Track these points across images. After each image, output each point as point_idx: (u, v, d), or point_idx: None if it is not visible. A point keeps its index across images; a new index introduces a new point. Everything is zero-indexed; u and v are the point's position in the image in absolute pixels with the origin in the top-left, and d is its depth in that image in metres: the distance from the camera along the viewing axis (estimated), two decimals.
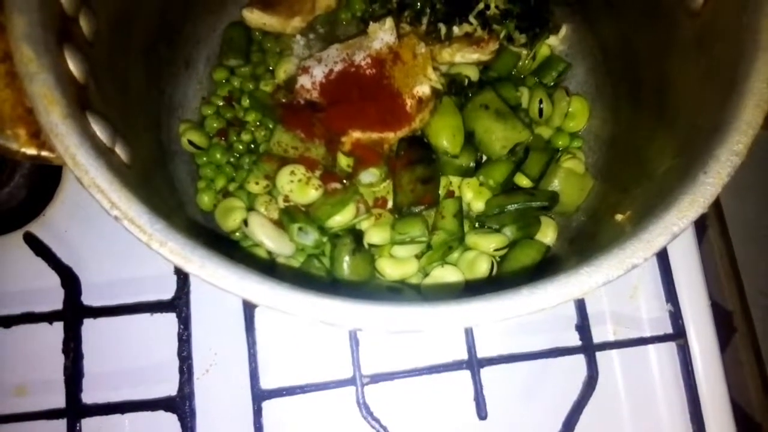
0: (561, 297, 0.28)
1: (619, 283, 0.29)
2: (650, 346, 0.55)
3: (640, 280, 0.56)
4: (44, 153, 0.31)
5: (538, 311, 0.28)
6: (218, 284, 0.28)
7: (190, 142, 0.49)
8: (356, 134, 0.45)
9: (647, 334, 0.55)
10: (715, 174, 0.30)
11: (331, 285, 0.46)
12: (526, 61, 0.52)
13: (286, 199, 0.47)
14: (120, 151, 0.34)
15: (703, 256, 0.58)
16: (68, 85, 0.31)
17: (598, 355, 0.53)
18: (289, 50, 0.52)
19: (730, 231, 0.66)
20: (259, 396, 0.51)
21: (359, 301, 0.27)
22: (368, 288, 0.46)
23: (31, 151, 0.31)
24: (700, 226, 0.65)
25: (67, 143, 0.29)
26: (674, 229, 0.29)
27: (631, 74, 0.46)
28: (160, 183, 0.44)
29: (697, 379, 0.54)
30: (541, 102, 0.49)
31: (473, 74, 0.50)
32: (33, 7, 0.31)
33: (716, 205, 0.65)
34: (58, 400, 0.51)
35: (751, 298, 0.65)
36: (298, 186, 0.47)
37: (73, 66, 0.33)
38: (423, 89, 0.45)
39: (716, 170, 0.30)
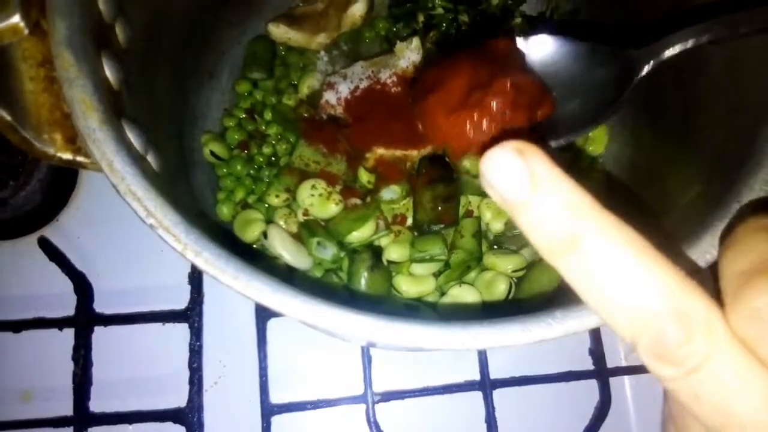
0: (595, 320, 0.28)
1: None
2: None
3: None
4: (79, 158, 0.31)
5: (572, 334, 0.28)
6: (251, 296, 0.28)
7: (212, 153, 0.49)
8: (380, 151, 0.45)
9: None
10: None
11: (349, 299, 0.46)
12: None
13: (306, 212, 0.47)
14: (151, 159, 0.34)
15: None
16: (105, 92, 0.32)
17: (611, 380, 0.53)
18: (313, 65, 0.53)
19: None
20: (268, 410, 0.51)
21: (403, 319, 0.27)
22: (385, 304, 0.46)
23: (67, 155, 0.31)
24: None
25: (104, 149, 0.29)
26: (708, 256, 0.29)
27: (654, 100, 0.47)
28: (182, 192, 0.44)
29: None
30: None
31: None
32: (74, 12, 0.31)
33: None
34: (65, 408, 0.50)
35: None
36: (318, 200, 0.47)
37: (109, 73, 0.33)
38: None
39: (750, 199, 0.30)
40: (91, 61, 0.31)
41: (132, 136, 0.32)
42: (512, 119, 0.40)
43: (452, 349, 0.28)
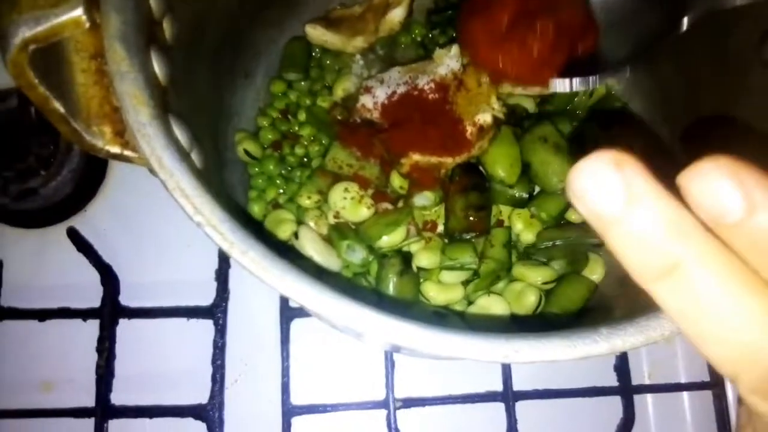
0: (641, 339, 0.28)
1: None
2: (685, 393, 0.54)
3: None
4: (127, 152, 0.31)
5: (617, 352, 0.28)
6: (295, 297, 0.28)
7: (246, 152, 0.49)
8: (416, 157, 0.45)
9: (683, 380, 0.54)
10: None
11: (377, 303, 0.45)
12: (583, 98, 0.52)
13: (337, 215, 0.47)
14: (195, 156, 0.34)
15: None
16: (154, 87, 0.32)
17: (634, 398, 0.52)
18: (348, 69, 0.53)
19: None
20: (289, 411, 0.50)
21: (445, 329, 0.27)
22: (413, 310, 0.46)
23: (115, 149, 0.31)
24: None
25: (154, 144, 0.29)
26: None
27: (690, 120, 0.46)
28: (219, 190, 0.44)
29: (732, 429, 0.53)
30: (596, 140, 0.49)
31: (530, 106, 0.50)
32: (127, 7, 0.31)
33: None
34: (86, 399, 0.51)
35: None
36: (350, 203, 0.47)
37: (157, 68, 0.33)
38: (485, 117, 0.45)
39: None
40: (142, 56, 0.32)
41: (178, 133, 0.32)
42: (551, 59, 0.41)
43: (493, 361, 0.28)
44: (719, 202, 0.18)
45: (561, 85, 0.41)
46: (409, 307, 0.46)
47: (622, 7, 0.42)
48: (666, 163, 0.20)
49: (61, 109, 0.29)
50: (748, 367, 0.18)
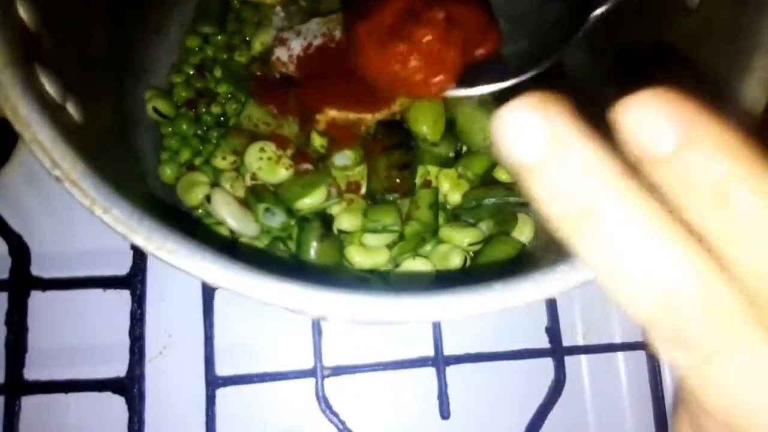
0: (536, 294, 0.26)
1: (591, 287, 0.27)
2: (619, 353, 0.54)
3: None
4: None
5: (512, 307, 0.26)
6: (166, 259, 0.26)
7: (156, 110, 0.46)
8: (332, 113, 0.43)
9: (617, 340, 0.54)
10: None
11: (296, 269, 0.43)
12: None
13: (254, 177, 0.45)
14: (72, 109, 0.31)
15: None
16: (15, 31, 0.29)
17: (567, 359, 0.52)
18: (268, 21, 0.50)
19: None
20: (213, 383, 0.49)
21: (321, 288, 0.25)
22: (336, 276, 0.44)
23: None
24: None
25: (8, 93, 0.27)
26: None
27: (619, 71, 0.45)
28: (118, 151, 0.41)
29: (665, 390, 0.53)
30: None
31: None
32: None
33: None
34: None
35: None
36: (267, 164, 0.44)
37: (23, 11, 0.30)
38: None
39: None
40: None
41: (46, 82, 0.29)
42: (444, 57, 0.36)
43: (379, 322, 0.26)
44: (651, 134, 0.16)
45: (459, 93, 0.38)
46: (331, 273, 0.44)
47: (526, 8, 0.39)
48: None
49: None
50: (662, 316, 0.17)
